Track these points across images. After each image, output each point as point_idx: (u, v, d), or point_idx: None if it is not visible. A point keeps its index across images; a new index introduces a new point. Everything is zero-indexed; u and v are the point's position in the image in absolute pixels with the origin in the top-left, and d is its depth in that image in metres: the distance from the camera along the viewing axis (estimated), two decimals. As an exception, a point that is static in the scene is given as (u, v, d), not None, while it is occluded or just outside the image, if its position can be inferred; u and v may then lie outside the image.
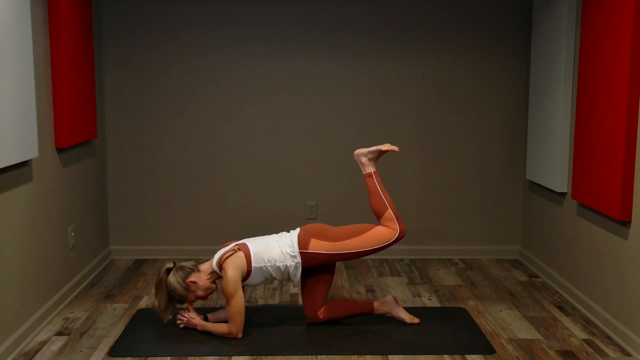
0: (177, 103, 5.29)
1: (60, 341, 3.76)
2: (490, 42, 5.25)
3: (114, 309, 4.25)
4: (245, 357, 3.54)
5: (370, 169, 3.94)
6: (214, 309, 4.13)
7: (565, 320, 4.07)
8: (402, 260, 5.33)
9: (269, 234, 3.96)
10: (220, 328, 3.77)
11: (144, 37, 5.21)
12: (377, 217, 3.91)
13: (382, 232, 3.84)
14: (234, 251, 3.76)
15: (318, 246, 3.79)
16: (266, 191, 5.38)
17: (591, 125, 4.07)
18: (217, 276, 3.82)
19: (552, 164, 4.60)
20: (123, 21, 5.19)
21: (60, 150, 4.30)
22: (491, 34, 5.24)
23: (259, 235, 4.00)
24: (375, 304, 3.98)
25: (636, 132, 3.59)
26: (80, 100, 4.52)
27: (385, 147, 3.91)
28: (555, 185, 4.56)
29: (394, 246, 4.01)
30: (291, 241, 3.81)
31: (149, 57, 5.23)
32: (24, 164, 3.76)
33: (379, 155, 3.94)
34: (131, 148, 5.32)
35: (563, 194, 4.57)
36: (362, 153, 3.94)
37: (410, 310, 4.10)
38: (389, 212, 3.87)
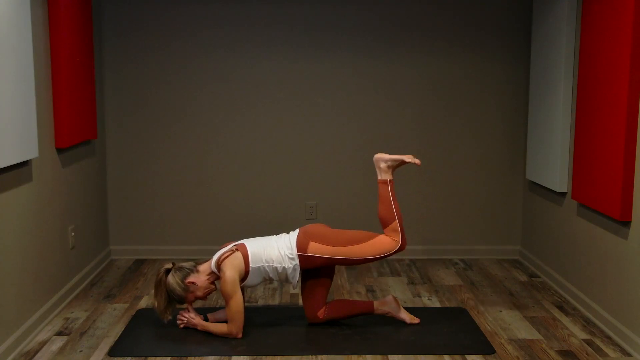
0: (177, 103, 5.29)
1: (60, 341, 3.75)
2: (490, 42, 5.25)
3: (114, 309, 4.25)
4: (245, 357, 3.54)
5: (387, 176, 3.85)
6: (213, 309, 4.13)
7: (565, 320, 4.07)
8: (402, 260, 5.33)
9: (269, 234, 3.96)
10: (220, 328, 3.77)
11: (144, 38, 5.21)
12: (383, 226, 3.86)
13: (383, 242, 3.80)
14: (232, 252, 3.76)
15: (317, 250, 3.77)
16: (266, 191, 5.38)
17: (591, 125, 4.06)
18: (216, 277, 3.82)
19: (552, 164, 4.60)
20: (123, 21, 5.19)
21: (60, 150, 4.30)
22: (491, 34, 5.24)
23: (259, 235, 4.00)
24: (376, 304, 3.98)
25: (636, 132, 3.59)
26: (80, 100, 4.52)
27: (408, 158, 3.80)
28: (555, 185, 4.56)
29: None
30: (290, 243, 3.80)
31: (149, 58, 5.23)
32: (24, 164, 3.76)
33: (399, 165, 3.85)
34: (131, 148, 5.32)
35: (563, 194, 4.57)
36: (383, 159, 3.84)
37: (410, 310, 4.10)
38: (396, 224, 3.81)
